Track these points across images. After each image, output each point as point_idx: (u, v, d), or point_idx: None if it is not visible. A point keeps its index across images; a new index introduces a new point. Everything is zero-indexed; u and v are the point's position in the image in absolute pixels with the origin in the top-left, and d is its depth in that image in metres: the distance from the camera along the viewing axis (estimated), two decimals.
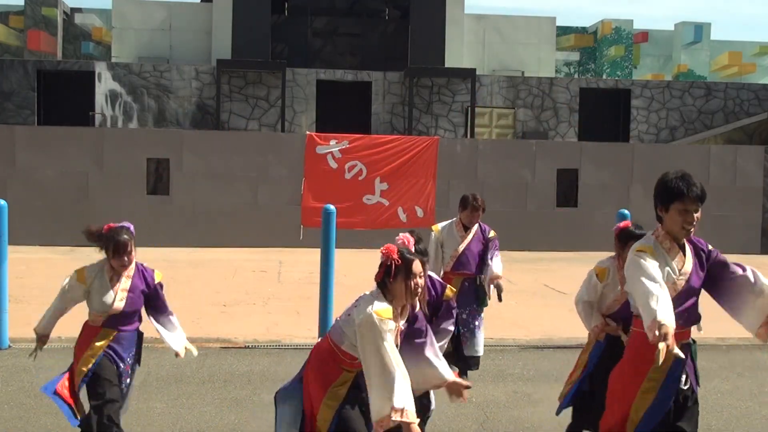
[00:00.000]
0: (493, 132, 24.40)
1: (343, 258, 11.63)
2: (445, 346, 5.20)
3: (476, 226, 7.09)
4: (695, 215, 3.88)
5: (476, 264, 7.05)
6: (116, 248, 4.99)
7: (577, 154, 18.21)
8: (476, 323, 7.06)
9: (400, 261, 3.85)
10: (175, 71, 23.55)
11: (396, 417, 3.62)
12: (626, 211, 8.95)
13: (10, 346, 8.06)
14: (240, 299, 10.98)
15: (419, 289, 3.88)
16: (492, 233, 7.16)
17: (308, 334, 8.72)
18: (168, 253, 15.90)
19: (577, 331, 9.24)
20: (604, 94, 25.08)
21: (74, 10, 34.68)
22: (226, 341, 8.45)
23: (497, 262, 7.06)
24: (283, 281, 12.50)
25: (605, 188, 17.97)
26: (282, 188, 17.01)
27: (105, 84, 23.27)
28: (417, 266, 3.87)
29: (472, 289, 7.04)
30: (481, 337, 7.12)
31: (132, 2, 26.26)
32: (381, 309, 3.79)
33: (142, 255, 16.46)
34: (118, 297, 5.05)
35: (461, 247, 7.01)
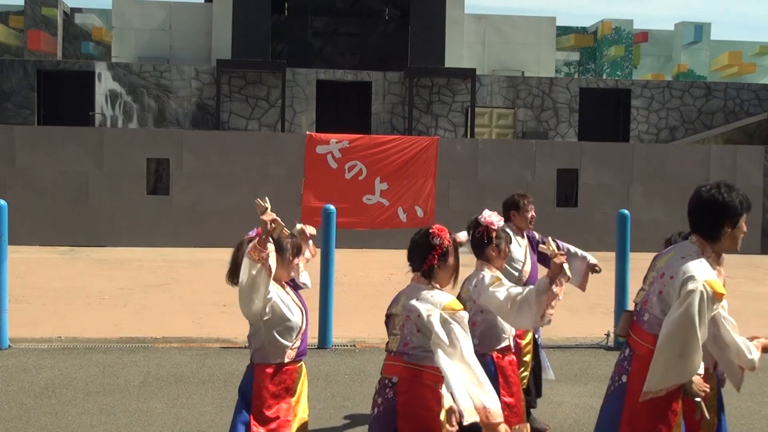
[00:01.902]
0: (493, 132, 24.40)
1: (343, 258, 11.65)
2: None
3: (527, 232, 6.15)
4: None
5: (537, 276, 5.89)
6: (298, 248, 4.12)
7: (577, 154, 18.21)
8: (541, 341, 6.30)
9: (450, 242, 3.75)
10: (175, 71, 23.54)
11: (479, 417, 3.42)
12: (626, 211, 8.96)
13: (10, 346, 8.05)
14: None
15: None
16: (539, 235, 6.21)
17: (308, 334, 8.71)
18: (168, 253, 15.91)
19: (576, 331, 9.26)
20: (604, 94, 25.07)
21: (74, 10, 34.64)
22: (226, 341, 8.45)
23: (586, 254, 6.21)
24: None
25: (605, 188, 17.97)
26: (282, 188, 17.00)
27: (105, 84, 23.26)
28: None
29: None
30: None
31: (132, 2, 26.24)
32: (452, 302, 3.63)
33: (142, 254, 16.47)
34: (301, 309, 4.02)
35: (528, 259, 5.94)
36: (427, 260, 3.69)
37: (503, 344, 4.52)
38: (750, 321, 10.22)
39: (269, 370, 3.86)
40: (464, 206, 17.67)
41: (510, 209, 6.03)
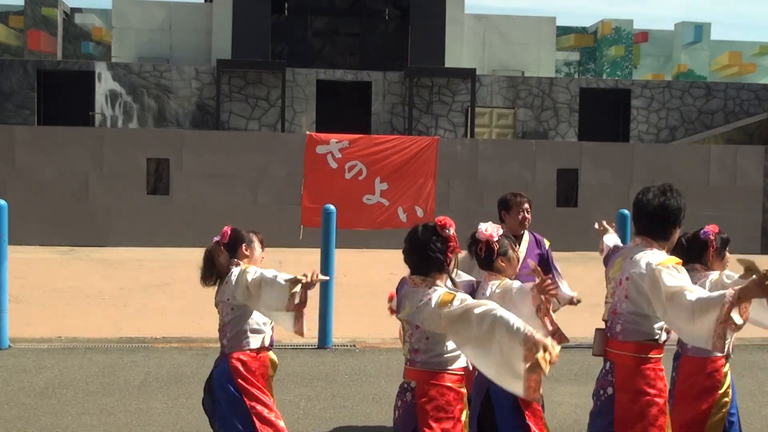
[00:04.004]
0: (493, 132, 24.39)
1: (343, 258, 11.64)
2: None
3: (527, 234, 5.80)
4: None
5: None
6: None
7: (577, 154, 18.21)
8: None
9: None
10: (175, 71, 23.54)
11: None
12: (626, 211, 8.96)
13: (10, 346, 8.05)
14: None
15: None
16: (547, 243, 5.98)
17: (308, 334, 8.68)
18: (168, 253, 15.90)
19: (576, 331, 9.24)
20: (604, 94, 25.06)
21: (74, 10, 34.64)
22: None
23: (565, 285, 5.88)
24: None
25: (605, 188, 17.96)
26: (282, 188, 17.00)
27: (105, 84, 23.26)
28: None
29: None
30: None
31: (132, 2, 26.24)
32: (446, 294, 3.45)
33: (142, 254, 16.46)
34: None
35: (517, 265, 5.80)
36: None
37: None
38: None
39: (245, 357, 4.28)
40: (464, 206, 17.65)
41: (501, 209, 5.76)
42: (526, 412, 4.16)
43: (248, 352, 4.30)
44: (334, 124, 21.47)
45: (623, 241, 8.80)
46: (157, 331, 8.86)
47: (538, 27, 27.39)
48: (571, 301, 5.80)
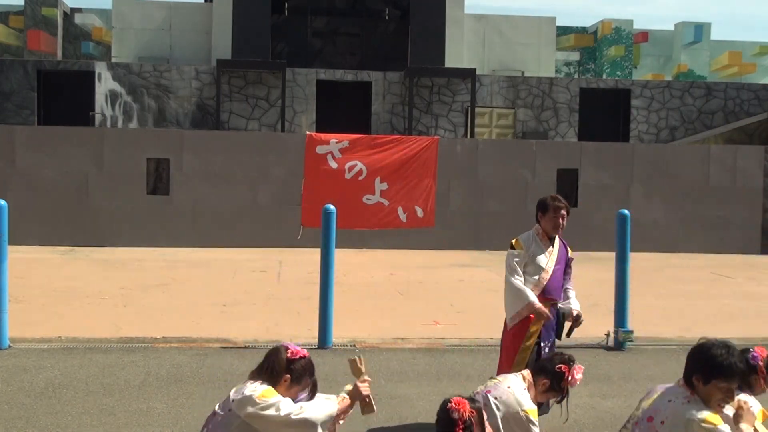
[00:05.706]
0: (493, 132, 24.40)
1: (343, 258, 11.65)
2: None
3: (557, 239, 5.85)
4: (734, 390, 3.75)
5: (561, 286, 5.91)
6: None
7: (577, 154, 18.21)
8: None
9: (474, 412, 3.33)
10: (175, 71, 23.54)
11: None
12: (626, 211, 8.95)
13: (10, 346, 8.05)
14: (240, 299, 10.97)
15: None
16: (571, 252, 6.02)
17: (308, 334, 8.72)
18: (168, 253, 15.91)
19: (576, 330, 9.24)
20: (604, 94, 25.07)
21: (74, 10, 34.64)
22: (226, 341, 8.44)
23: (574, 296, 6.00)
24: (283, 281, 12.49)
25: (605, 188, 17.97)
26: (282, 188, 17.01)
27: (105, 84, 23.26)
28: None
29: (555, 317, 5.95)
30: None
31: (132, 2, 26.25)
32: None
33: (142, 254, 16.45)
34: None
35: (550, 266, 5.73)
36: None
37: None
38: (750, 321, 10.23)
39: None
40: (464, 206, 17.67)
41: (538, 210, 5.82)
42: None
43: None
44: (334, 124, 21.48)
45: (622, 243, 8.79)
46: (157, 331, 8.86)
47: (538, 27, 27.40)
48: (573, 318, 6.02)
